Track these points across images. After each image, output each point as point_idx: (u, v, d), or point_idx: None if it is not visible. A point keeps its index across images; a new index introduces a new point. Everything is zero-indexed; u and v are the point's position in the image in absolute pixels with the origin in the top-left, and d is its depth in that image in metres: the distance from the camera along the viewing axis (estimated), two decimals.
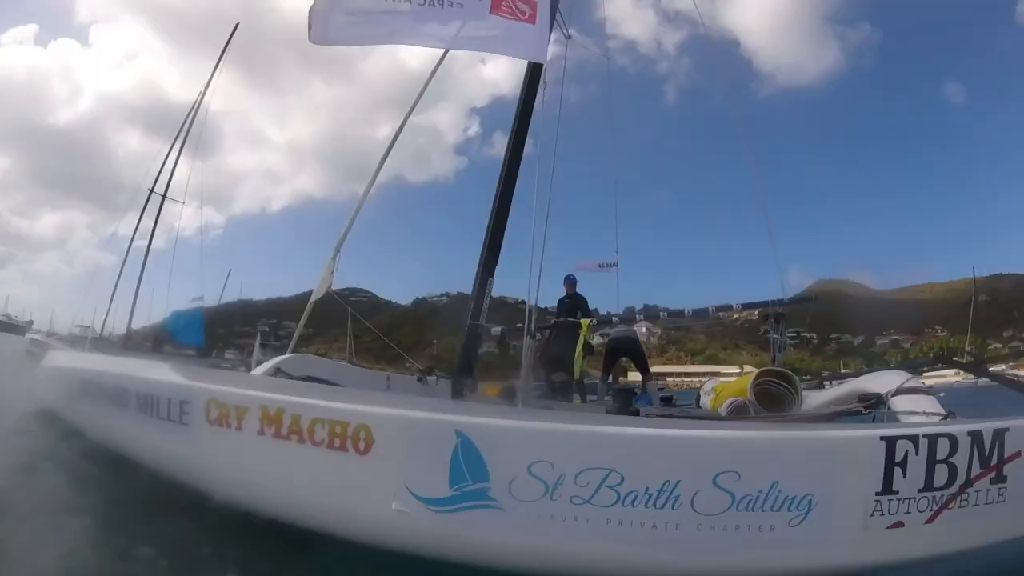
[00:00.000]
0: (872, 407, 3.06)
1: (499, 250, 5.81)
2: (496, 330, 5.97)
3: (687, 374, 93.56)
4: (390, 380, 6.05)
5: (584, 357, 5.94)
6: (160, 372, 3.53)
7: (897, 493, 2.07)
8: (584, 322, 6.00)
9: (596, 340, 6.38)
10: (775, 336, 5.83)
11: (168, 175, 15.98)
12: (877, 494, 2.08)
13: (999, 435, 2.15)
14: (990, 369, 3.15)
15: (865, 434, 2.19)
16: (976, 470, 2.12)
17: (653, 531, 2.02)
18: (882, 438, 2.11)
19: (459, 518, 2.11)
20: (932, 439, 2.12)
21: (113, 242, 15.95)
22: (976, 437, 2.14)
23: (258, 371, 3.92)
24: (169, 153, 16.01)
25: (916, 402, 2.91)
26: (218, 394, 2.91)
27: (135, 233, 15.78)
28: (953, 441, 2.11)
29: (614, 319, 6.94)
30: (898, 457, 2.08)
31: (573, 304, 6.73)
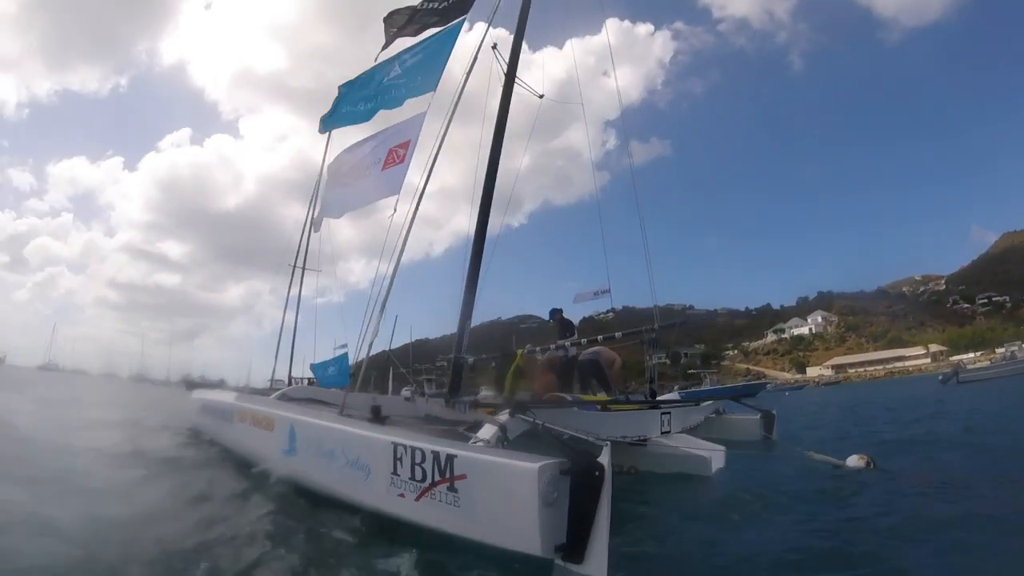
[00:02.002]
0: (471, 429, 3.93)
1: (473, 301, 7.24)
2: (471, 360, 7.51)
3: (869, 363, 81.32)
4: (375, 400, 7.86)
5: (513, 380, 7.35)
6: (226, 396, 6.78)
7: (399, 476, 3.26)
8: (519, 352, 7.52)
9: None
10: (649, 360, 6.95)
11: (305, 247, 17.85)
12: (391, 474, 3.30)
13: (450, 458, 2.97)
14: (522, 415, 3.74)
15: (385, 439, 3.48)
16: (436, 477, 3.01)
17: (329, 471, 3.97)
18: (391, 442, 3.37)
19: (289, 459, 4.66)
20: (411, 450, 3.20)
21: (292, 303, 18.30)
22: (435, 455, 3.04)
23: (273, 396, 6.82)
24: (304, 228, 17.97)
25: (486, 430, 3.70)
26: (239, 407, 5.98)
27: (287, 298, 18.26)
28: (423, 454, 3.12)
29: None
30: (398, 455, 3.29)
31: (562, 328, 8.17)
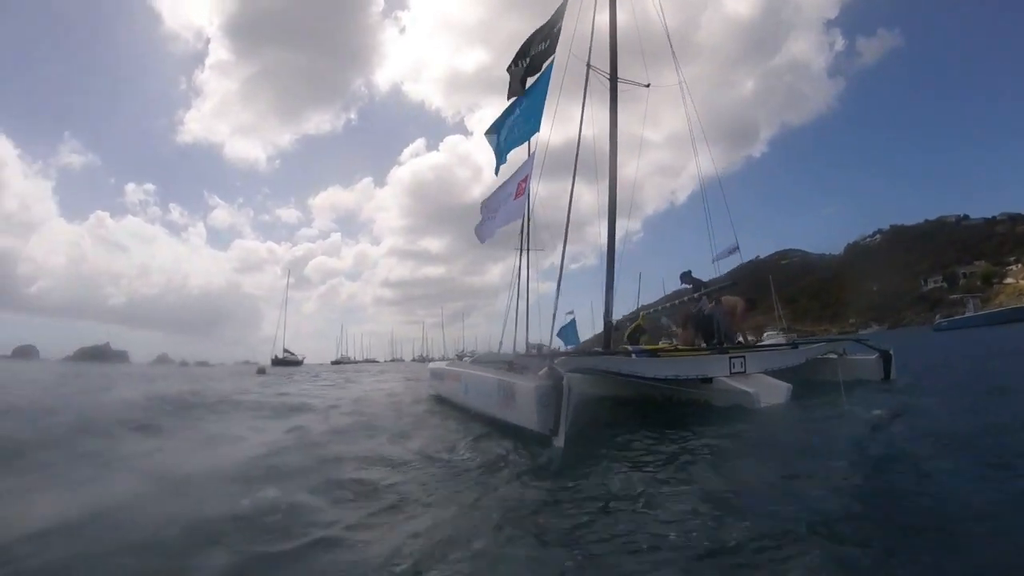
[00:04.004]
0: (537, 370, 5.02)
1: (613, 274, 9.06)
2: (615, 321, 9.39)
3: None
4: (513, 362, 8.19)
5: (635, 334, 8.94)
6: (441, 364, 9.96)
7: (500, 397, 5.16)
8: (641, 314, 9.22)
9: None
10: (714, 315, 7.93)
11: (527, 231, 20.12)
12: (497, 396, 5.22)
13: (512, 384, 4.86)
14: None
15: (494, 378, 5.49)
16: (508, 395, 4.93)
17: (479, 400, 5.91)
18: (497, 379, 5.33)
19: (465, 396, 6.98)
20: (501, 382, 5.17)
21: (551, 272, 21.08)
22: (507, 383, 4.97)
23: (468, 360, 9.64)
24: (526, 223, 19.51)
25: (544, 371, 4.74)
26: (446, 370, 8.91)
27: (518, 276, 20.31)
28: (504, 384, 5.06)
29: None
30: (499, 386, 5.21)
31: (695, 286, 9.08)
